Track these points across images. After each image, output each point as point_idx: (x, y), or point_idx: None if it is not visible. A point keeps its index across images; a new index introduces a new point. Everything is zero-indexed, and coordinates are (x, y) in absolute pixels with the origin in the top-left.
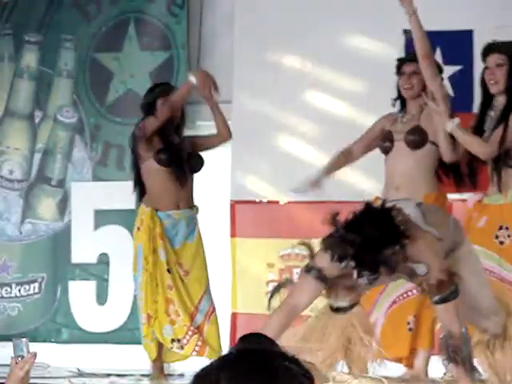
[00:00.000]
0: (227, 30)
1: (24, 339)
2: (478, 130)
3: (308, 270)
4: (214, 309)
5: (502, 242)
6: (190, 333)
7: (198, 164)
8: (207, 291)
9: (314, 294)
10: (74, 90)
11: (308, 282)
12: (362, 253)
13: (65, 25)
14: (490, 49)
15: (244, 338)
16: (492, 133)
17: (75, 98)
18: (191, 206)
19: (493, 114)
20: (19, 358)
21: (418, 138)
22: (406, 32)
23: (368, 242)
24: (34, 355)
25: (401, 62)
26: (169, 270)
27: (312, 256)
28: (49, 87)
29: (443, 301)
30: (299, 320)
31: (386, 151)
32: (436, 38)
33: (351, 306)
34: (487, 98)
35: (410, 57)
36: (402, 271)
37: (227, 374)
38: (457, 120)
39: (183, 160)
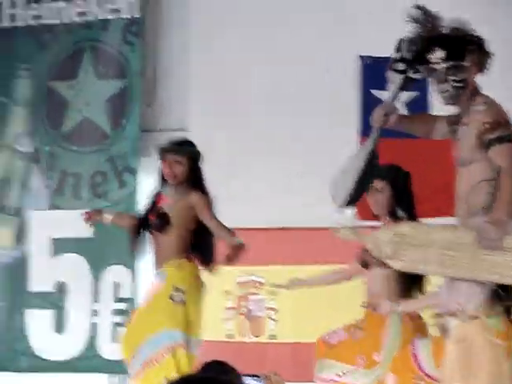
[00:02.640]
0: (183, 58)
1: None
2: None
3: None
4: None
5: None
6: None
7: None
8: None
9: None
10: (30, 119)
11: None
12: None
13: (20, 53)
14: None
15: (207, 365)
16: None
17: (31, 126)
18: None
19: None
20: None
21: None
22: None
23: None
24: None
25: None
26: None
27: None
28: (5, 116)
29: (500, 140)
30: None
31: None
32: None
33: None
34: None
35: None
36: None
37: None
38: None
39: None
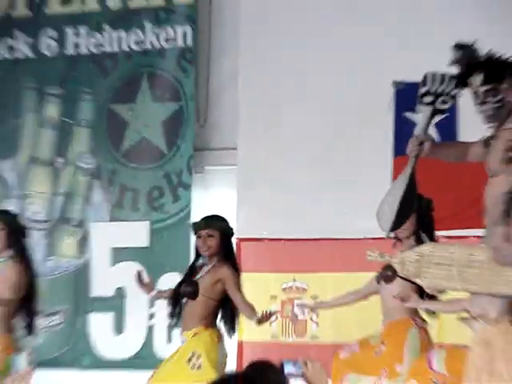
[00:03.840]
0: (233, 83)
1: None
2: None
3: None
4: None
5: None
6: None
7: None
8: None
9: None
10: (93, 139)
11: None
12: None
13: (84, 79)
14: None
15: (252, 364)
16: None
17: (93, 145)
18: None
19: None
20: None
21: None
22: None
23: None
24: (31, 369)
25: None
26: None
27: None
28: (69, 136)
29: None
30: None
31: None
32: None
33: None
34: None
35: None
36: None
37: None
38: None
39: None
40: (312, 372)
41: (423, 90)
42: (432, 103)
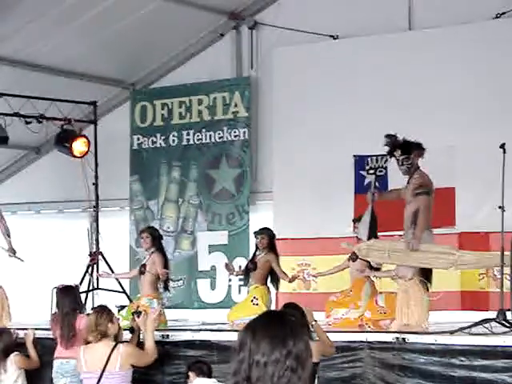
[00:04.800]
0: (270, 158)
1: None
2: None
3: None
4: None
5: None
6: None
7: None
8: None
9: None
10: (198, 187)
11: None
12: None
13: (190, 157)
14: None
15: (285, 304)
16: None
17: (198, 191)
18: None
19: None
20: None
21: None
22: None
23: None
24: (156, 311)
25: None
26: None
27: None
28: (185, 187)
29: (421, 194)
30: None
31: None
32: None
33: None
34: None
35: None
36: None
37: (259, 322)
38: None
39: None
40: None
41: (367, 167)
42: (374, 173)
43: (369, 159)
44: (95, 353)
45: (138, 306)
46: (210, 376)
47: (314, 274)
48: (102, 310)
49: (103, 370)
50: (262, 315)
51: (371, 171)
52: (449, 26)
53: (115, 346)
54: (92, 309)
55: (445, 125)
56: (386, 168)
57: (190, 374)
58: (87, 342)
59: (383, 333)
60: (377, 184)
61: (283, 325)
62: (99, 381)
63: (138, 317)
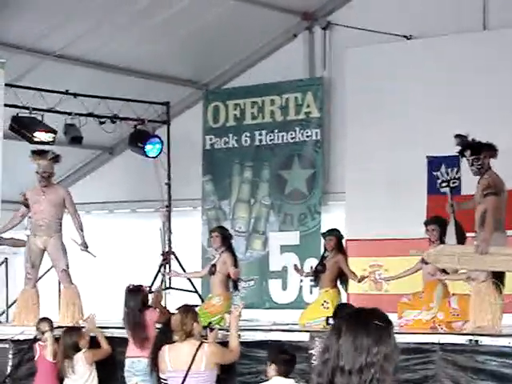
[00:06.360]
0: (342, 159)
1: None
2: None
3: None
4: None
5: None
6: None
7: None
8: None
9: None
10: (271, 188)
11: None
12: None
13: (264, 157)
14: None
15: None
16: None
17: (271, 191)
18: None
19: None
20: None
21: None
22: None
23: None
24: (240, 307)
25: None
26: None
27: None
28: (257, 188)
29: (489, 194)
30: None
31: None
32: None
33: None
34: None
35: None
36: None
37: (346, 323)
38: None
39: None
40: None
41: (439, 181)
42: (447, 185)
43: (438, 173)
44: (180, 352)
45: (209, 323)
46: (292, 366)
47: (384, 277)
48: (187, 310)
49: (188, 370)
50: (351, 315)
51: (444, 184)
52: None
53: (200, 346)
54: (177, 309)
55: None
56: (459, 178)
57: (271, 367)
58: (169, 342)
59: (456, 335)
60: (452, 192)
61: (368, 331)
62: (184, 380)
63: (211, 331)
